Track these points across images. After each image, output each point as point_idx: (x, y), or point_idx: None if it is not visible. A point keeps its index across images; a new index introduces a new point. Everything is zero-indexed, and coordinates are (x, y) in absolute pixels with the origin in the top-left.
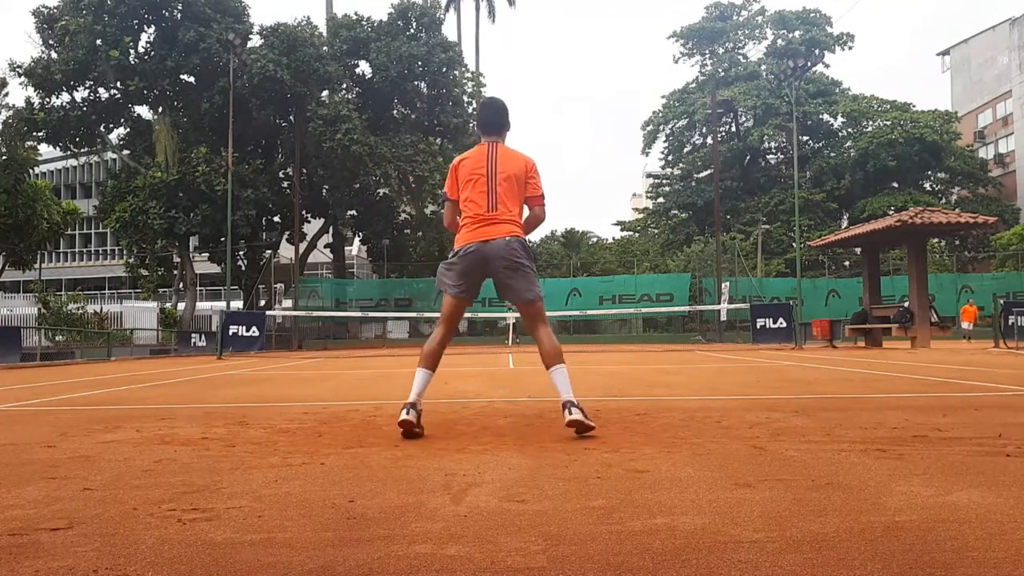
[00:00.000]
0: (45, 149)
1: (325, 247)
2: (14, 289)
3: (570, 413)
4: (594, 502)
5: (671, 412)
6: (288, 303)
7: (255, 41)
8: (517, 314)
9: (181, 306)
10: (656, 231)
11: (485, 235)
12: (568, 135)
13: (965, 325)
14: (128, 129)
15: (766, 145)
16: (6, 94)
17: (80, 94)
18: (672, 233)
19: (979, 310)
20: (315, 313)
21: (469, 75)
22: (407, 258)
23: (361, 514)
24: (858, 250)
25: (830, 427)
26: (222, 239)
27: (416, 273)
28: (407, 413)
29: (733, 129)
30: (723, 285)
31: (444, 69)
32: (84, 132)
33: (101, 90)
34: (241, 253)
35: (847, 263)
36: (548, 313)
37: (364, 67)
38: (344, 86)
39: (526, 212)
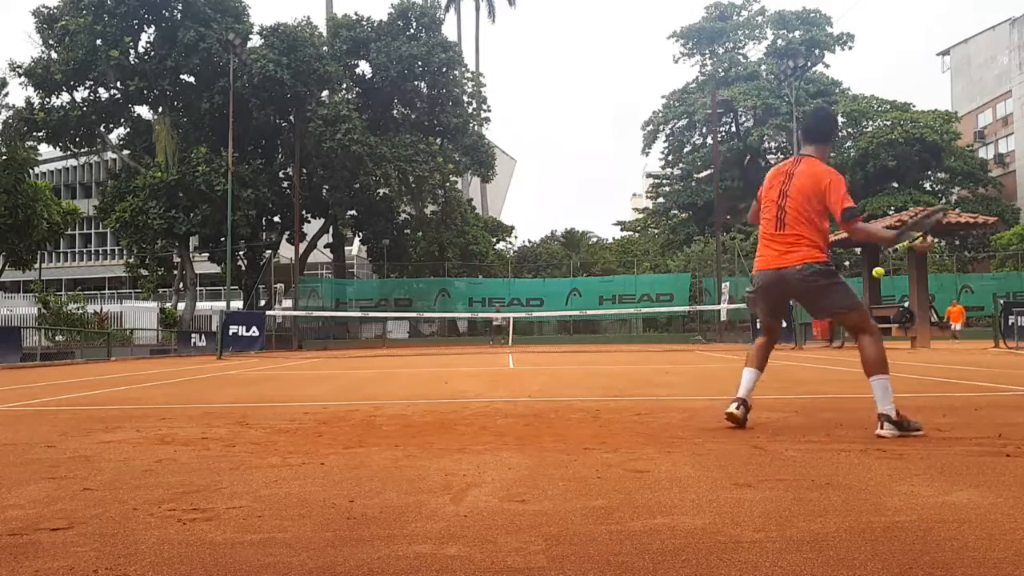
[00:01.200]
0: (45, 149)
1: (325, 247)
2: (14, 289)
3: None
4: (594, 502)
5: (671, 412)
6: (288, 303)
7: (255, 41)
8: (516, 314)
9: (181, 306)
10: (656, 231)
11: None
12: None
13: (954, 326)
14: (128, 129)
15: (766, 145)
16: (6, 94)
17: (80, 94)
18: (672, 233)
19: (964, 309)
20: (315, 313)
21: (469, 75)
22: (407, 258)
23: (361, 514)
24: (858, 250)
25: (830, 427)
26: (222, 239)
27: (416, 273)
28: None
29: (733, 129)
30: (723, 285)
31: (444, 69)
32: (84, 132)
33: (101, 90)
34: (241, 253)
35: (847, 263)
36: (548, 313)
37: (364, 67)
38: (344, 86)
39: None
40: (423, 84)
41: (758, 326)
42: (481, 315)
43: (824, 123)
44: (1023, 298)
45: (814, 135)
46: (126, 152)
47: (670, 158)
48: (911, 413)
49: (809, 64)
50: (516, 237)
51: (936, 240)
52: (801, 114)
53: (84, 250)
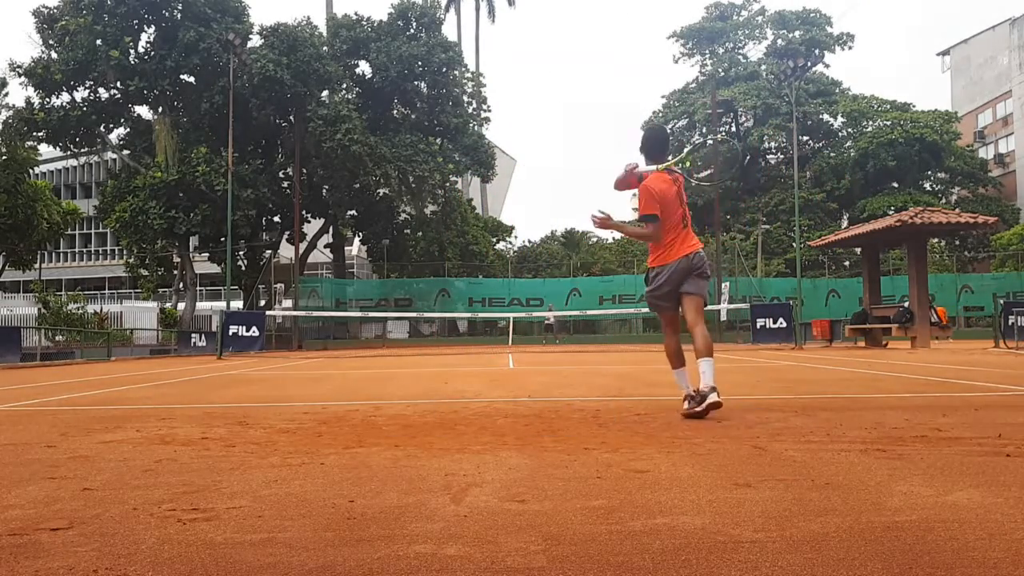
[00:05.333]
0: (45, 149)
1: (325, 247)
2: (14, 289)
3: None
4: (594, 502)
5: (671, 412)
6: (288, 303)
7: (255, 41)
8: (517, 315)
9: (181, 306)
10: None
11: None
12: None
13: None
14: (128, 129)
15: (766, 145)
16: (6, 94)
17: (80, 94)
18: None
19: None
20: (315, 313)
21: (469, 75)
22: (407, 258)
23: (361, 514)
24: (858, 250)
25: (830, 427)
26: (222, 239)
27: (416, 273)
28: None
29: (733, 129)
30: (723, 285)
31: (444, 69)
32: (84, 132)
33: (101, 90)
34: (241, 253)
35: (847, 263)
36: (548, 313)
37: (364, 67)
38: (344, 86)
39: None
40: (423, 84)
41: (663, 326)
42: (481, 315)
43: (664, 141)
44: (1023, 298)
45: (658, 152)
46: (126, 152)
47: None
48: (911, 413)
49: (809, 64)
50: (516, 237)
51: (937, 240)
52: (801, 114)
53: (84, 250)
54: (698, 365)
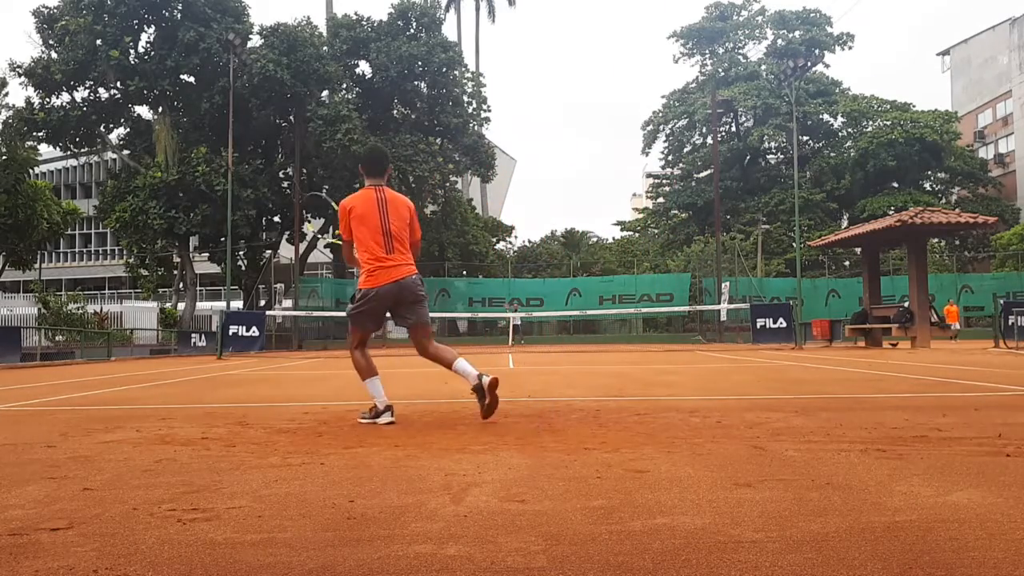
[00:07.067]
0: (45, 149)
1: (325, 247)
2: (14, 289)
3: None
4: (594, 502)
5: (671, 412)
6: (288, 303)
7: (255, 41)
8: (519, 315)
9: (181, 306)
10: (656, 231)
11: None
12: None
13: (952, 325)
14: (128, 129)
15: (766, 145)
16: (6, 94)
17: (80, 94)
18: (672, 233)
19: (958, 309)
20: (315, 313)
21: (469, 75)
22: None
23: (361, 514)
24: (858, 250)
25: (830, 427)
26: (222, 239)
27: None
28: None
29: (733, 129)
30: (723, 285)
31: (444, 69)
32: (84, 132)
33: (101, 90)
34: (241, 253)
35: (847, 263)
36: (549, 313)
37: (364, 67)
38: (344, 86)
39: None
40: (423, 84)
41: (360, 337)
42: (481, 315)
43: (383, 160)
44: (1023, 298)
45: (378, 170)
46: (126, 152)
47: (670, 158)
48: (911, 413)
49: (809, 64)
50: (516, 237)
51: (937, 240)
52: (802, 114)
53: (84, 250)
54: (457, 370)
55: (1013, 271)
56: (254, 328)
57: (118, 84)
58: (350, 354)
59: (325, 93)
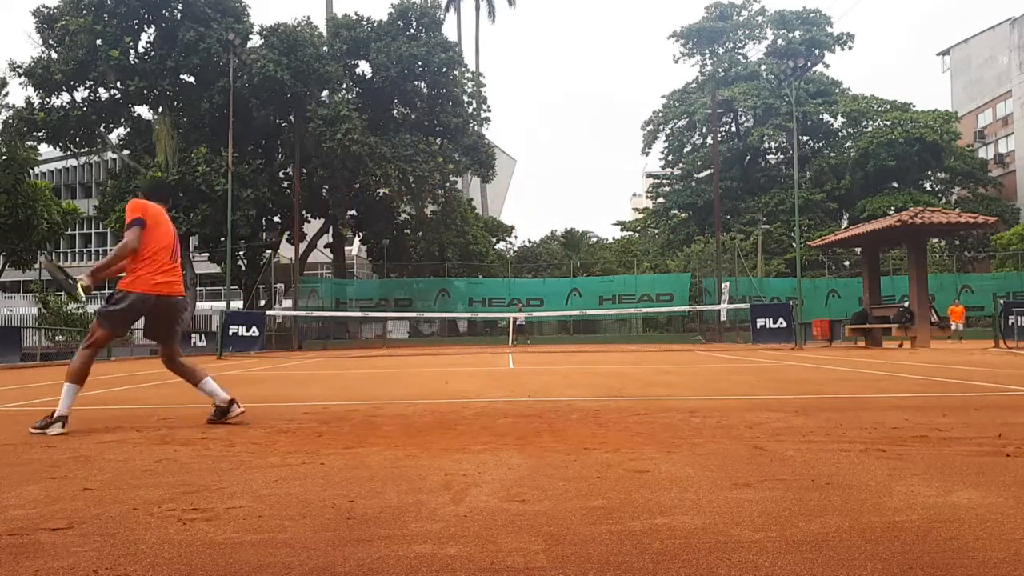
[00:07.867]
0: (45, 149)
1: (325, 247)
2: (14, 289)
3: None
4: (594, 502)
5: (671, 412)
6: (288, 303)
7: (255, 41)
8: (520, 315)
9: None
10: (656, 231)
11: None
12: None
13: (956, 325)
14: (128, 129)
15: (766, 145)
16: (6, 94)
17: (80, 94)
18: (672, 233)
19: (964, 309)
20: (315, 313)
21: (469, 75)
22: (407, 258)
23: (361, 514)
24: (858, 250)
25: (830, 427)
26: (222, 239)
27: (416, 273)
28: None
29: (733, 129)
30: (723, 285)
31: (444, 69)
32: (84, 132)
33: (101, 90)
34: (241, 253)
35: (847, 263)
36: (549, 313)
37: (364, 67)
38: (344, 86)
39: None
40: (423, 84)
41: (106, 338)
42: (481, 315)
43: (165, 189)
44: (1023, 298)
45: (163, 196)
46: (126, 152)
47: (670, 158)
48: (911, 413)
49: (809, 64)
50: (516, 237)
51: (937, 240)
52: (802, 114)
53: (84, 250)
54: (203, 387)
55: (1013, 271)
56: (254, 328)
57: (118, 84)
58: (80, 352)
59: (325, 93)
